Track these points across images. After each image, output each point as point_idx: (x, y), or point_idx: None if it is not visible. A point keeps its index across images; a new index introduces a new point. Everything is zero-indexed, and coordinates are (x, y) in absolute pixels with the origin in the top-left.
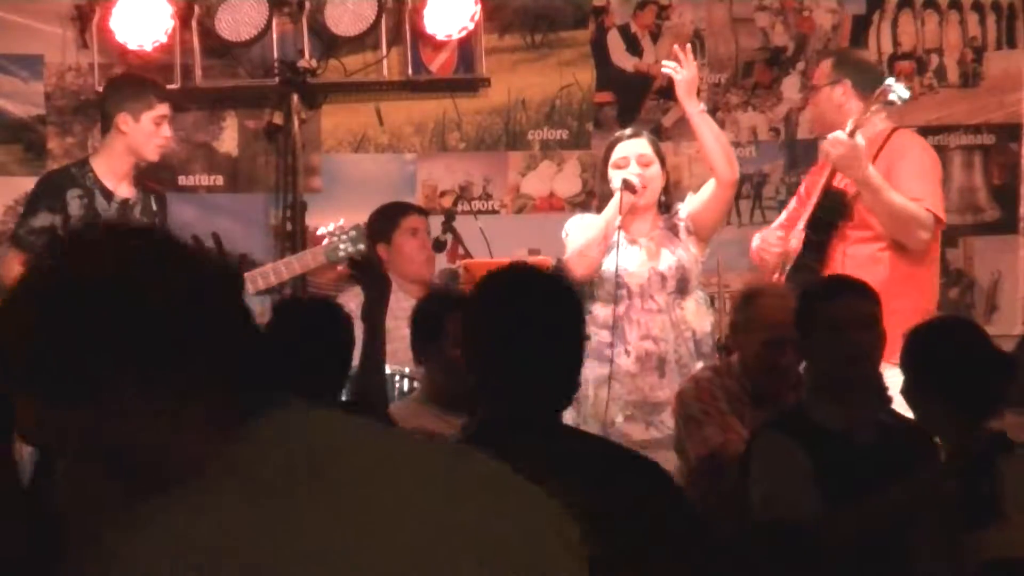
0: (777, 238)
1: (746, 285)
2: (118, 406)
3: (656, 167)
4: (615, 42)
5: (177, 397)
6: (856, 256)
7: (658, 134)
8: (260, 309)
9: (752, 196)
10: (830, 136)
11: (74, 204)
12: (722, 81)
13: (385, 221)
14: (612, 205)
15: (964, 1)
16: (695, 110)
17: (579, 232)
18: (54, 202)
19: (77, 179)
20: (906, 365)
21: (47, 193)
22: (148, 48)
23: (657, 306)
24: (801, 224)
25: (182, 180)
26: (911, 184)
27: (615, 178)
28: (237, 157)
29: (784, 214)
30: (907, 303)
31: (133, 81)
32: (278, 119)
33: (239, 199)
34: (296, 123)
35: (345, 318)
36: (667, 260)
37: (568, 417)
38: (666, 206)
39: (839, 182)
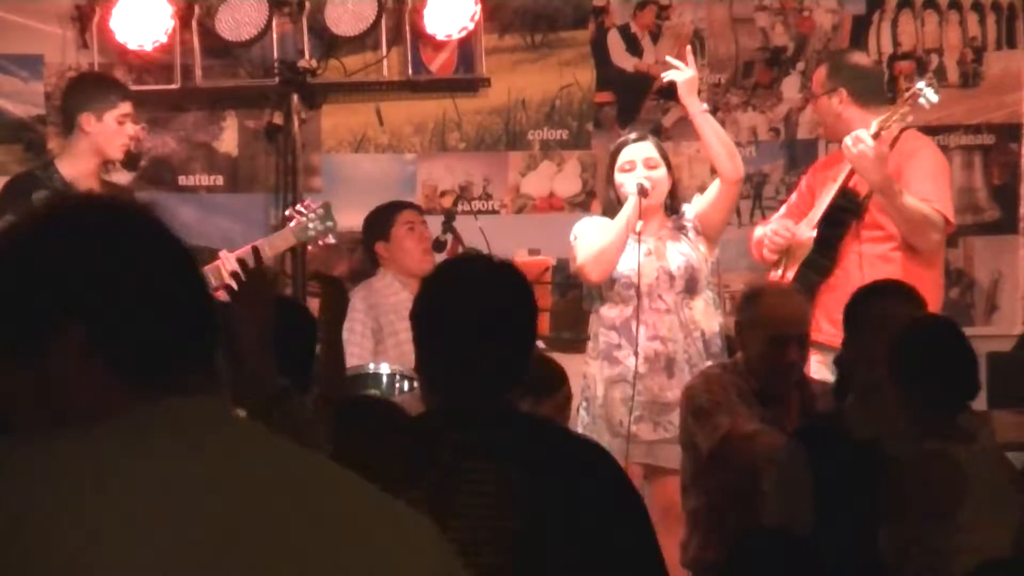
0: (786, 228)
1: (749, 284)
2: (60, 360)
3: (662, 169)
4: (615, 42)
5: (110, 359)
6: (868, 255)
7: (658, 134)
8: None
9: (752, 196)
10: (853, 134)
11: None
12: (722, 81)
13: (381, 218)
14: (628, 209)
15: (964, 1)
16: (697, 110)
17: (591, 235)
18: (20, 206)
19: (43, 181)
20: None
21: (12, 197)
22: (148, 48)
23: (666, 306)
24: (812, 220)
25: (182, 180)
26: (922, 186)
27: (625, 182)
28: (237, 157)
29: (783, 208)
30: None
31: (94, 80)
32: (278, 119)
33: (239, 199)
34: (296, 123)
35: (310, 319)
36: (676, 260)
37: (576, 418)
38: (672, 208)
39: (854, 182)
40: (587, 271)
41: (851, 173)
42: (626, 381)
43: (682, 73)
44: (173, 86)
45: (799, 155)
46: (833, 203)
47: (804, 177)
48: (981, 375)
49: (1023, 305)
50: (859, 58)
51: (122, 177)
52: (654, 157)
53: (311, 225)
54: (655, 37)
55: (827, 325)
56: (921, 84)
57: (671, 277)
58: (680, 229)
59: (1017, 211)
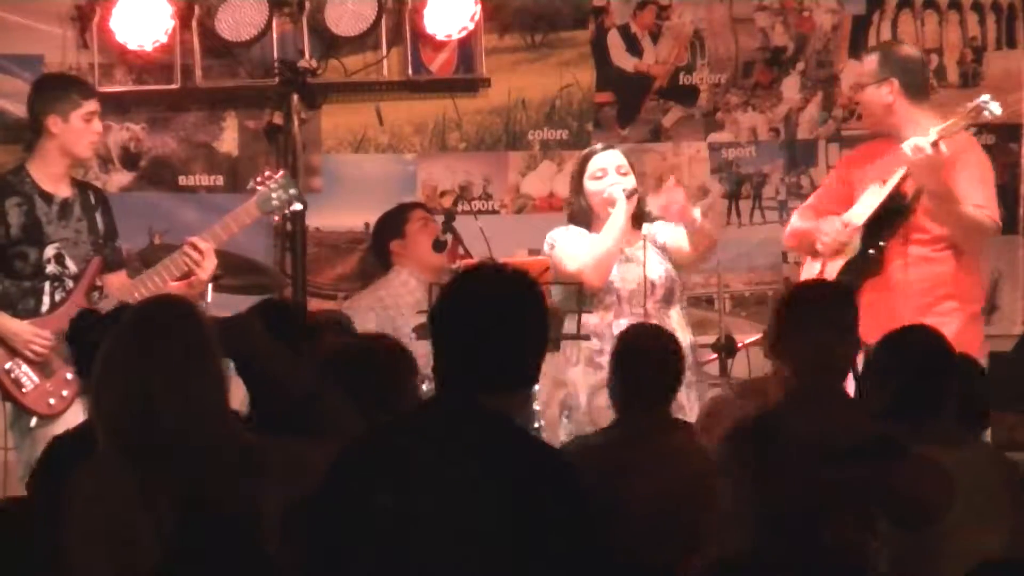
0: (844, 224)
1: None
2: None
3: (632, 178)
4: (615, 42)
5: None
6: (914, 256)
7: (658, 134)
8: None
9: (752, 196)
10: (913, 142)
11: (14, 212)
12: (722, 81)
13: (395, 217)
14: (621, 212)
15: (964, 1)
16: (696, 220)
17: (576, 243)
18: None
19: (15, 186)
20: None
21: None
22: (148, 48)
23: (645, 313)
24: (859, 219)
25: (182, 180)
26: (971, 190)
27: (604, 188)
28: (237, 157)
29: (812, 199)
30: (956, 304)
31: (57, 82)
32: (278, 119)
33: (239, 199)
34: (296, 123)
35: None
36: (656, 269)
37: (559, 426)
38: (639, 218)
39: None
40: (588, 277)
41: (905, 177)
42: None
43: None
44: (173, 86)
45: (799, 155)
46: (885, 204)
47: (836, 169)
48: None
49: (1023, 305)
50: (909, 50)
51: (122, 177)
52: (624, 165)
53: (274, 195)
54: (655, 37)
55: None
56: (986, 97)
57: (652, 285)
58: (654, 243)
59: (1017, 211)
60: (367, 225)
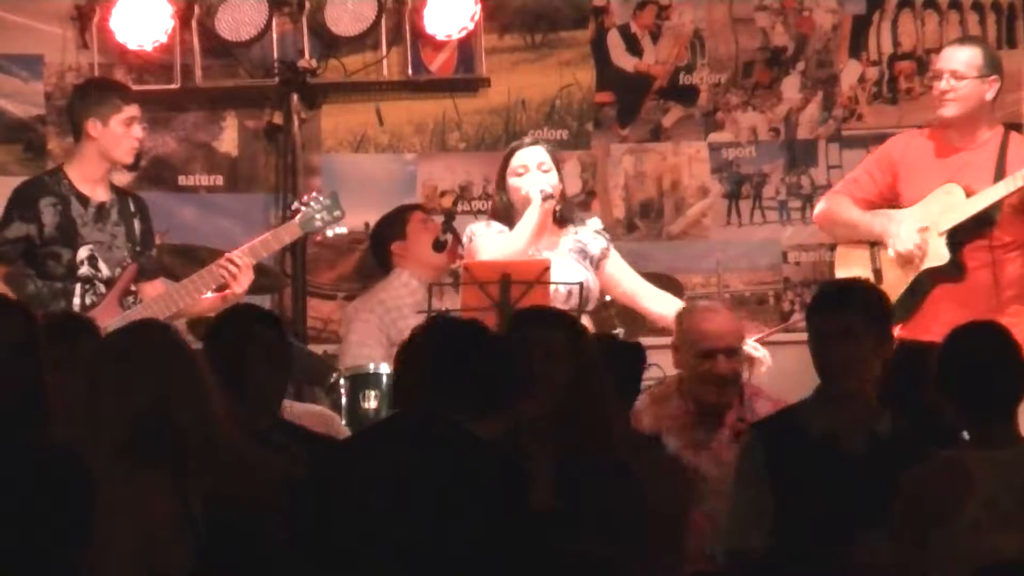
0: (919, 229)
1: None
2: None
3: (555, 174)
4: (615, 42)
5: None
6: (999, 261)
7: (658, 134)
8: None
9: (752, 196)
10: None
11: (47, 213)
12: (722, 81)
13: (396, 219)
14: (534, 216)
15: (964, 1)
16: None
17: (491, 241)
18: (27, 212)
19: (50, 187)
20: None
21: (20, 204)
22: (148, 48)
23: None
24: (936, 227)
25: (182, 180)
26: None
27: (523, 186)
28: (237, 157)
29: (851, 185)
30: (1019, 306)
31: (98, 86)
32: (278, 119)
33: (239, 199)
34: (296, 123)
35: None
36: (576, 276)
37: None
38: (562, 219)
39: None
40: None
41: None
42: None
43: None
44: (173, 86)
45: (799, 155)
46: (978, 213)
47: (880, 156)
48: None
49: None
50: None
51: (122, 177)
52: (547, 162)
53: (318, 215)
54: (655, 37)
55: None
56: None
57: (568, 292)
58: (580, 251)
59: None
60: (367, 225)
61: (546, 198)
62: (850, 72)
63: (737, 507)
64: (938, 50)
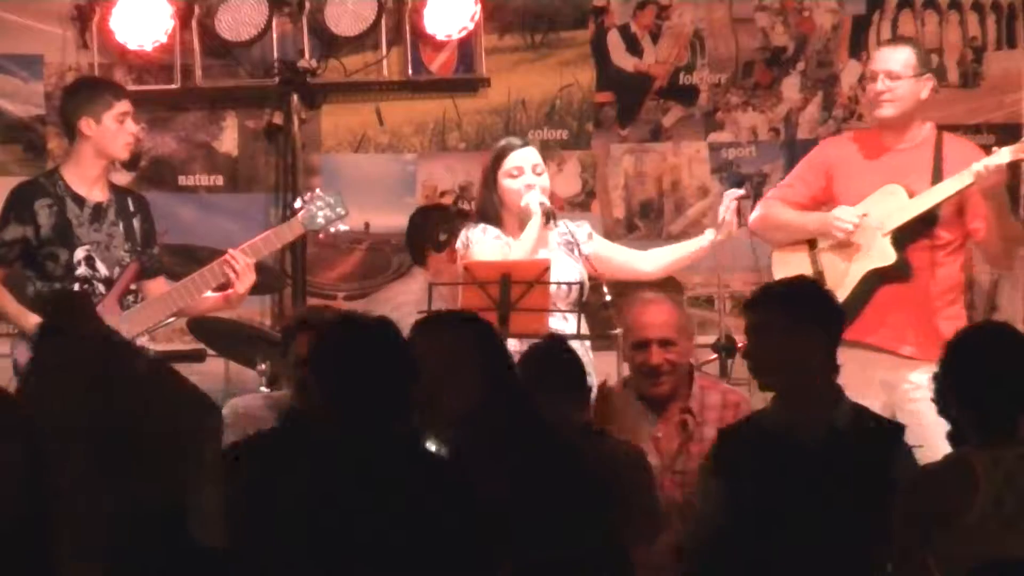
0: (859, 216)
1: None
2: None
3: (547, 176)
4: (615, 42)
5: None
6: (939, 261)
7: (658, 134)
8: (261, 309)
9: (752, 196)
10: (992, 164)
11: (43, 214)
12: (722, 81)
13: (437, 228)
14: (533, 229)
15: (964, 1)
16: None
17: (485, 250)
18: (23, 214)
19: (46, 188)
20: (940, 371)
21: (16, 205)
22: (148, 48)
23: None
24: (891, 223)
25: (182, 180)
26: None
27: (521, 191)
28: (237, 157)
29: (786, 190)
30: (960, 307)
31: (88, 84)
32: (278, 119)
33: (239, 199)
34: (296, 123)
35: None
36: (570, 273)
37: None
38: (547, 217)
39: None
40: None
41: (961, 190)
42: None
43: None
44: (173, 86)
45: (799, 155)
46: (926, 212)
47: (813, 159)
48: None
49: (1023, 305)
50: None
51: (122, 177)
52: (541, 164)
53: (321, 213)
54: (655, 37)
55: (912, 336)
56: None
57: (568, 289)
58: (569, 246)
59: (1017, 211)
60: (367, 225)
61: (546, 212)
62: (850, 72)
63: (700, 502)
64: (938, 50)
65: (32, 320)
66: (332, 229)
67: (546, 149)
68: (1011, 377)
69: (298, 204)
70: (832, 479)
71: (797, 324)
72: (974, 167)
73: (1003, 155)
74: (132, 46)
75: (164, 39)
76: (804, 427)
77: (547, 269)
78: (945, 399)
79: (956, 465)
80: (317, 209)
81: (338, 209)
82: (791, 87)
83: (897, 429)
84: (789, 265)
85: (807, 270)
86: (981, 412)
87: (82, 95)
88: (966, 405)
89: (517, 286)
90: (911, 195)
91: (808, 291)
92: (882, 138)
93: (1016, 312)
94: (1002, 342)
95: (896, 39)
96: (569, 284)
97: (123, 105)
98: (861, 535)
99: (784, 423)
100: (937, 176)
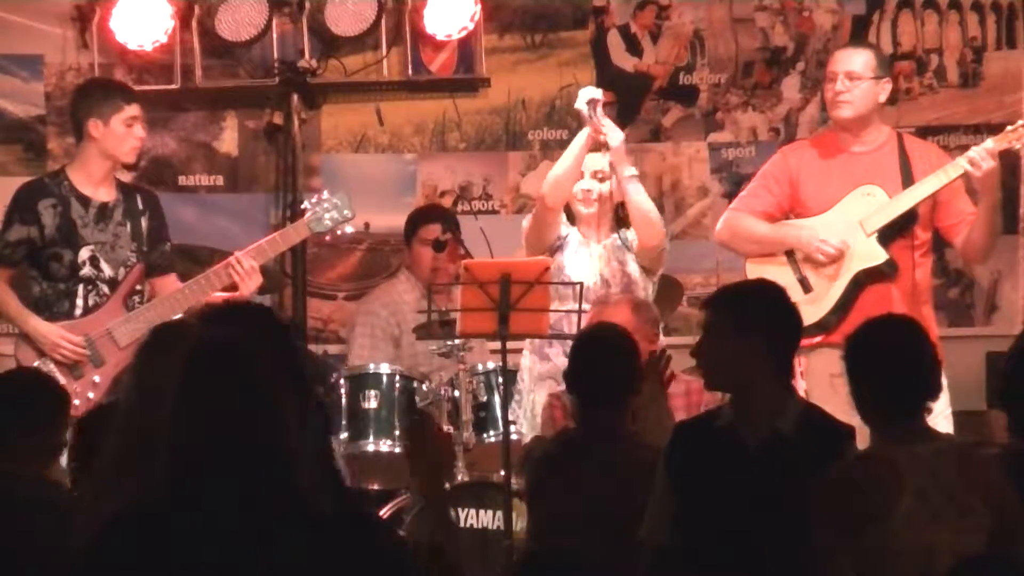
0: (844, 244)
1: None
2: None
3: (609, 184)
4: (615, 42)
5: None
6: (919, 261)
7: (658, 134)
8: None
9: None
10: (982, 151)
11: (47, 214)
12: (722, 81)
13: (408, 226)
14: (581, 137)
15: (964, 1)
16: (625, 175)
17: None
18: (27, 214)
19: (51, 189)
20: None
21: (20, 206)
22: (148, 48)
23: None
24: (864, 227)
25: (182, 180)
26: (966, 202)
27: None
28: (237, 157)
29: (752, 198)
30: (930, 309)
31: (99, 86)
32: (278, 119)
33: (239, 199)
34: (296, 123)
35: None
36: (615, 266)
37: (511, 409)
38: (617, 222)
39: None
40: (546, 198)
41: (949, 189)
42: (553, 379)
43: (614, 136)
44: (173, 86)
45: None
46: (911, 210)
47: (776, 165)
48: (980, 375)
49: (1023, 305)
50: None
51: (122, 177)
52: (604, 170)
53: (327, 215)
54: (655, 37)
55: None
56: None
57: (608, 283)
58: (625, 244)
59: (1017, 211)
60: (367, 225)
61: (592, 104)
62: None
63: (652, 501)
64: (938, 50)
65: (33, 321)
66: (339, 231)
67: (546, 149)
68: (910, 371)
69: (305, 205)
70: (767, 482)
71: (741, 326)
72: (968, 154)
73: (987, 143)
74: (132, 46)
75: (164, 39)
76: (747, 428)
77: (547, 269)
78: (855, 398)
79: (877, 464)
80: (324, 211)
81: (345, 211)
82: (791, 87)
83: (845, 433)
84: (766, 273)
85: (787, 276)
86: (887, 408)
87: (93, 96)
88: (869, 403)
89: (517, 286)
90: (888, 196)
91: (760, 295)
92: (840, 140)
93: (1016, 312)
94: (902, 335)
95: (856, 42)
96: (569, 284)
97: (132, 109)
98: (790, 538)
99: (730, 423)
100: (906, 175)
